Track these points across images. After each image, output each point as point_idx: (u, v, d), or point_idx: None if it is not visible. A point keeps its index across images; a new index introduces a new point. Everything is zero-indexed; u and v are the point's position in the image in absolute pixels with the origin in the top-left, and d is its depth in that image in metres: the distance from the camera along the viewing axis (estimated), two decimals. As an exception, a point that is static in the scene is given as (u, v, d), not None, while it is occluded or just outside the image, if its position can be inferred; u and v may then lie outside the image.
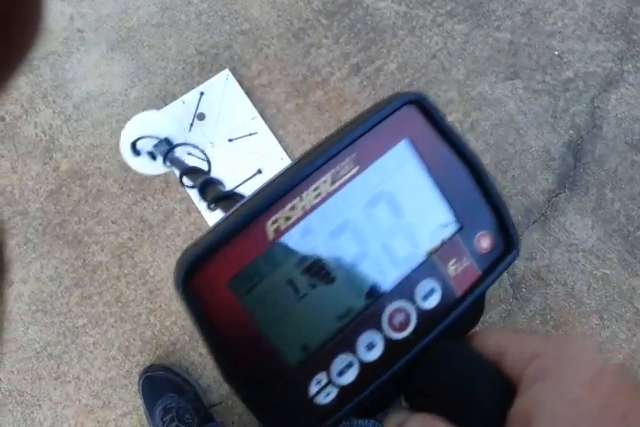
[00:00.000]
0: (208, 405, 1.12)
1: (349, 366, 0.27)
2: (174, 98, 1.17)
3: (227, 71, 1.16)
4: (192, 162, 0.93)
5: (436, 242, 0.28)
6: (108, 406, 1.11)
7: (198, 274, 0.25)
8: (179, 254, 0.25)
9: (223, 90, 1.15)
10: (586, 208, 1.18)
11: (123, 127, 1.17)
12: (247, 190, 1.14)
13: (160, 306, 1.13)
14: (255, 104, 1.16)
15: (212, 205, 0.56)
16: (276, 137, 1.16)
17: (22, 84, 1.20)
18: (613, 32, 1.25)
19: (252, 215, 0.25)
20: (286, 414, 0.26)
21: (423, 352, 0.27)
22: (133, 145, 1.05)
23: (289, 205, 0.26)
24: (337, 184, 0.26)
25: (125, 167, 1.16)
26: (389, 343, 0.27)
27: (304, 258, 0.26)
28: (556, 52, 1.24)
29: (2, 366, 1.13)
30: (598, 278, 1.16)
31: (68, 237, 1.15)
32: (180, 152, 1.03)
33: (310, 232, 0.26)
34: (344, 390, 0.27)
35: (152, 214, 1.14)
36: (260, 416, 0.26)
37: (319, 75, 1.19)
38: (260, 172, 1.15)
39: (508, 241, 0.29)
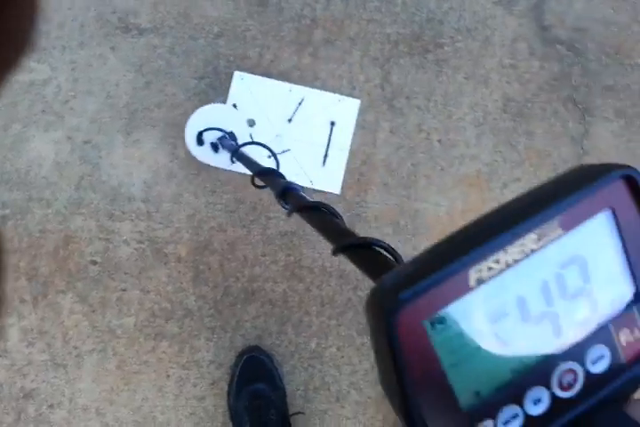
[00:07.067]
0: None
1: (515, 417, 0.28)
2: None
3: (237, 73, 1.19)
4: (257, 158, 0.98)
5: (614, 310, 0.30)
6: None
7: (401, 309, 0.26)
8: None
9: (249, 89, 1.20)
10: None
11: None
12: (338, 141, 1.17)
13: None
14: (280, 79, 1.20)
15: (293, 213, 0.59)
16: (318, 89, 1.21)
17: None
18: None
19: (460, 264, 0.27)
20: None
21: (586, 414, 0.29)
22: (199, 135, 1.15)
23: (494, 257, 0.27)
24: (541, 242, 0.28)
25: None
26: (554, 401, 0.28)
27: (494, 309, 0.28)
28: None
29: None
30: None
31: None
32: (246, 149, 1.04)
33: (505, 286, 0.28)
34: None
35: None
36: None
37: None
38: (333, 124, 1.22)
39: None
